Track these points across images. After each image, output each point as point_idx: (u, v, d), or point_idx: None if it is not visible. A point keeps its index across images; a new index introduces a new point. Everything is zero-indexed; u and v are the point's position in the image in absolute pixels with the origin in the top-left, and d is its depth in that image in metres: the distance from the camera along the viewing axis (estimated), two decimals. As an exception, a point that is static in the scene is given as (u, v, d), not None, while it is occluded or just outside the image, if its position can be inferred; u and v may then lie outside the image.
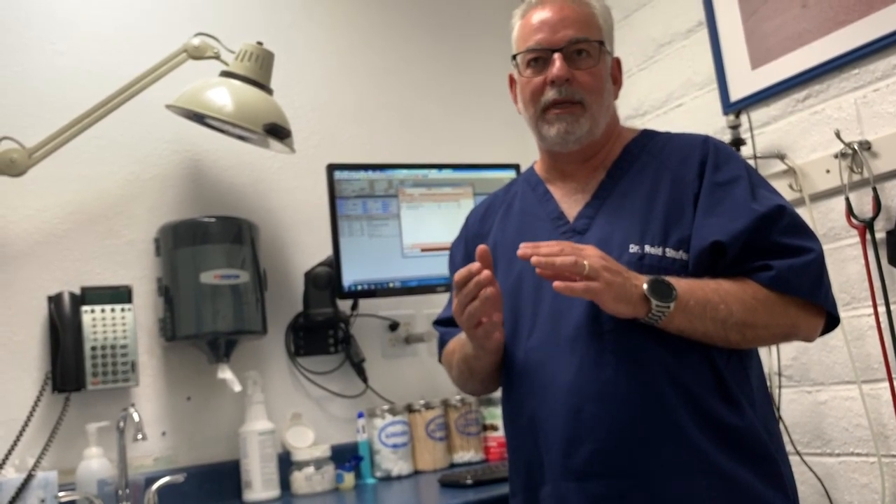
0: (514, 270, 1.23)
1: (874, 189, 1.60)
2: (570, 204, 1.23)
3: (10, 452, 1.61)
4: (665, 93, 2.11)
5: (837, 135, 1.65)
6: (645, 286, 1.04)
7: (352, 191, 1.97)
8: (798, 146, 1.77)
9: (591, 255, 1.04)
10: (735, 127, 1.86)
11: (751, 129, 1.86)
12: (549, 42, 1.19)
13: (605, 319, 1.09)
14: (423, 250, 2.05)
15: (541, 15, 1.21)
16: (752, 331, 1.08)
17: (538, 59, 1.20)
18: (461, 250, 1.40)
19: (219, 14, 2.05)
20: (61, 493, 1.55)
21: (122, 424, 1.66)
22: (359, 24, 2.29)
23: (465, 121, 2.41)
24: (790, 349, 1.81)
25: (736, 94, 1.89)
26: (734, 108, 1.89)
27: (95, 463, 1.64)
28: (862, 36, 1.62)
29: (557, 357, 1.12)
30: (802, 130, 1.77)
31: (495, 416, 2.03)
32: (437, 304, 2.19)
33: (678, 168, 1.18)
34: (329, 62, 2.22)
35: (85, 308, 1.71)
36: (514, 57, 1.25)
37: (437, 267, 2.05)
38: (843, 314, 1.19)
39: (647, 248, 1.12)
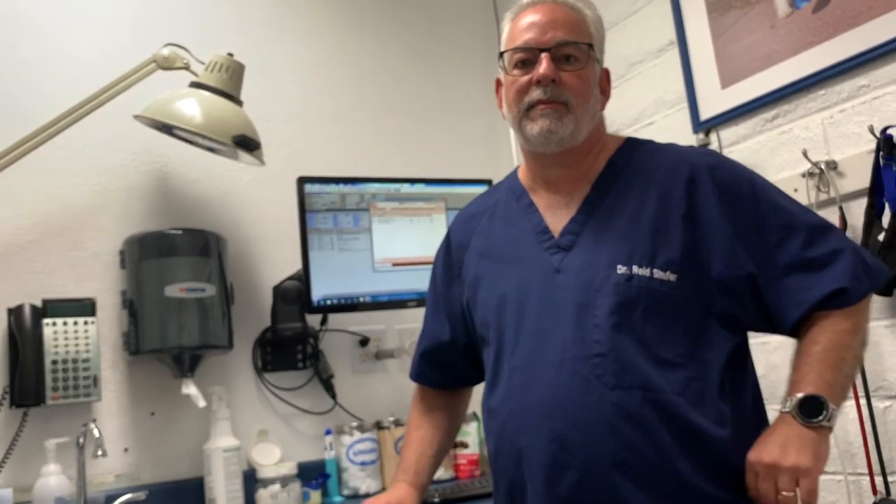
0: (497, 284, 1.21)
1: (840, 208, 1.62)
2: (555, 217, 1.21)
3: (-36, 469, 1.56)
4: (636, 111, 2.13)
5: (805, 154, 1.67)
6: (805, 429, 1.04)
7: (322, 204, 1.96)
8: (766, 165, 1.79)
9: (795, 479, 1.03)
10: (705, 145, 1.87)
11: (720, 147, 1.87)
12: (538, 42, 1.17)
13: (591, 343, 1.08)
14: (394, 265, 2.03)
15: (531, 17, 1.20)
16: (862, 350, 1.13)
17: (525, 60, 1.19)
18: (441, 259, 1.38)
19: (190, 25, 2.04)
20: (16, 512, 1.52)
21: (81, 440, 1.62)
22: (332, 37, 2.28)
23: (438, 136, 2.41)
24: (760, 367, 1.81)
25: (706, 113, 1.90)
26: (704, 127, 1.90)
27: (54, 480, 1.60)
28: (829, 57, 1.64)
29: (541, 379, 1.10)
30: (771, 150, 1.79)
31: (466, 433, 2.01)
32: (407, 319, 2.18)
33: (664, 184, 1.16)
34: (301, 75, 2.21)
35: (46, 321, 1.67)
36: (500, 56, 1.23)
37: (409, 282, 2.03)
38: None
39: (636, 269, 1.10)
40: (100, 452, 1.56)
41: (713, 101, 1.88)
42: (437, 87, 2.44)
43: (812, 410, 1.05)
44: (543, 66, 1.16)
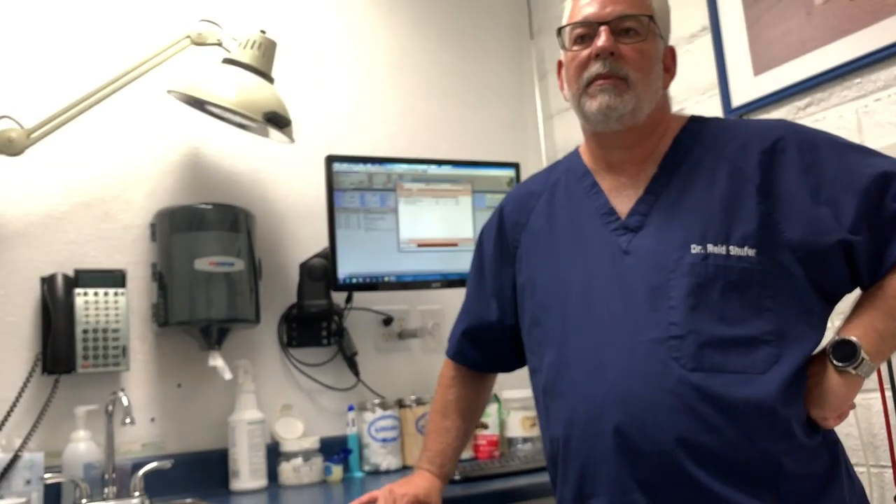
0: (560, 268, 1.20)
1: (872, 199, 1.60)
2: (621, 199, 1.18)
3: (-3, 432, 1.60)
4: (667, 97, 2.11)
5: (838, 143, 1.65)
6: (836, 363, 1.05)
7: (350, 183, 1.97)
8: (798, 154, 1.77)
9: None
10: (736, 133, 1.86)
11: (751, 135, 1.85)
12: (597, 16, 1.15)
13: (667, 326, 1.06)
14: (419, 245, 2.04)
15: None
16: None
17: (585, 35, 1.16)
18: (493, 236, 1.35)
19: (223, 1, 2.05)
20: (47, 475, 1.55)
21: (110, 408, 1.66)
22: (363, 17, 2.29)
23: (466, 119, 2.41)
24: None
25: (738, 100, 1.89)
26: (736, 113, 1.88)
27: (83, 446, 1.63)
28: (865, 45, 1.61)
29: (614, 363, 1.07)
30: (803, 138, 1.77)
31: (486, 414, 2.02)
32: (430, 300, 2.19)
33: (735, 158, 1.13)
34: (331, 54, 2.21)
35: (78, 291, 1.70)
36: (559, 33, 1.21)
37: (433, 262, 2.04)
38: (837, 323, 1.20)
39: (710, 248, 1.08)
40: (128, 420, 1.59)
41: (745, 88, 1.87)
42: (466, 70, 2.44)
43: (844, 355, 1.04)
44: (602, 38, 1.13)
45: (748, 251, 1.07)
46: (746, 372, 1.03)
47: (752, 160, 1.12)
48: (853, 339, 1.05)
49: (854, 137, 1.65)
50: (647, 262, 1.10)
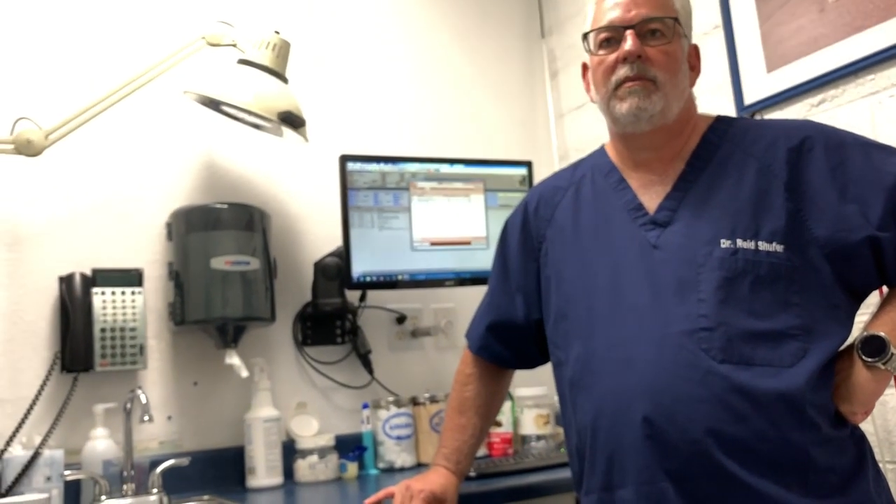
0: (587, 262, 1.21)
1: (887, 195, 1.60)
2: (649, 195, 1.19)
3: (17, 430, 1.62)
4: (679, 95, 2.11)
5: (851, 140, 1.65)
6: (865, 358, 1.06)
7: (363, 182, 1.98)
8: (811, 151, 1.77)
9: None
10: (748, 130, 1.86)
11: (764, 132, 1.85)
12: (622, 20, 1.16)
13: (696, 318, 1.07)
14: (432, 244, 2.05)
15: None
16: None
17: (610, 39, 1.18)
18: (518, 231, 1.36)
19: (237, 1, 2.06)
20: (67, 472, 1.57)
21: (128, 406, 1.67)
22: (376, 17, 2.30)
23: (478, 118, 2.42)
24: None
25: (750, 98, 1.89)
26: (748, 111, 1.88)
27: (101, 443, 1.65)
28: (879, 41, 1.61)
29: (643, 355, 1.08)
30: (816, 135, 1.77)
31: (500, 412, 2.02)
32: (444, 298, 2.20)
33: (763, 155, 1.14)
34: (345, 54, 2.23)
35: (95, 290, 1.72)
36: (585, 38, 1.22)
37: (447, 261, 2.05)
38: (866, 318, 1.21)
39: (740, 243, 1.09)
40: (146, 418, 1.60)
41: (758, 86, 1.87)
42: (478, 69, 2.45)
43: (873, 350, 1.05)
44: (629, 42, 1.15)
45: (776, 247, 1.08)
46: (774, 365, 1.04)
47: (780, 158, 1.13)
48: (882, 334, 1.06)
49: (868, 134, 1.65)
50: (676, 256, 1.12)
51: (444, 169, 2.09)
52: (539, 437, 2.03)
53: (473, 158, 2.16)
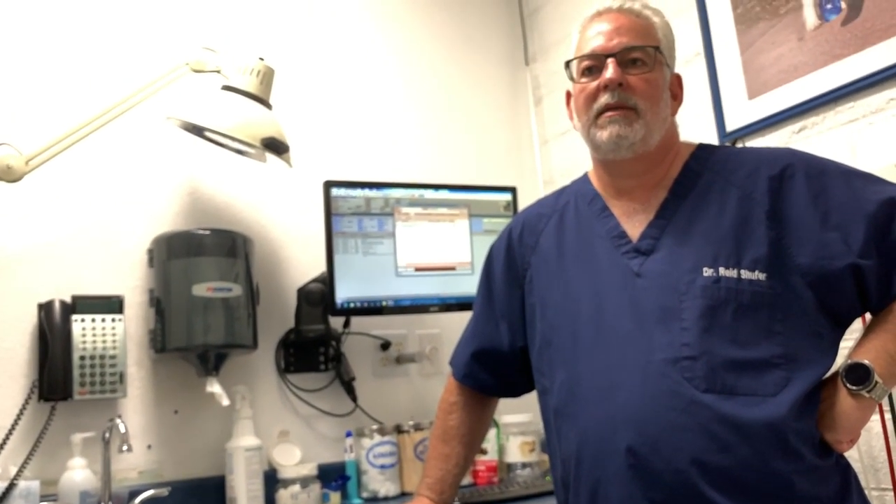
0: (571, 289, 1.21)
1: (868, 221, 1.61)
2: (632, 223, 1.20)
3: (-8, 460, 1.59)
4: (662, 121, 2.13)
5: (832, 167, 1.66)
6: (849, 386, 1.06)
7: (348, 208, 1.97)
8: (793, 177, 1.78)
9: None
10: (731, 156, 1.87)
11: (746, 159, 1.87)
12: (604, 48, 1.18)
13: (679, 347, 1.06)
14: (417, 270, 2.04)
15: (598, 26, 1.21)
16: None
17: (592, 67, 1.19)
18: (502, 258, 1.36)
19: (221, 28, 2.07)
20: (43, 504, 1.54)
21: (107, 435, 1.64)
22: (361, 44, 2.31)
23: (463, 143, 2.42)
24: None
25: (732, 124, 1.90)
26: (730, 138, 1.90)
27: (79, 474, 1.62)
28: (858, 70, 1.63)
29: (625, 383, 1.08)
30: (797, 162, 1.78)
31: (486, 439, 2.01)
32: (429, 324, 2.19)
33: (745, 183, 1.15)
34: (329, 80, 2.23)
35: (75, 317, 1.69)
36: (567, 66, 1.23)
37: (431, 286, 2.04)
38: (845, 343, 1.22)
39: (722, 271, 1.09)
40: (125, 447, 1.57)
41: (740, 113, 1.89)
42: (463, 96, 2.46)
43: (857, 378, 1.05)
44: (610, 70, 1.16)
45: (759, 275, 1.08)
46: (757, 394, 1.04)
47: (761, 186, 1.14)
48: (866, 362, 1.06)
49: (848, 161, 1.66)
50: (658, 283, 1.12)
51: (429, 194, 2.09)
52: (525, 465, 2.01)
53: (458, 184, 2.16)
